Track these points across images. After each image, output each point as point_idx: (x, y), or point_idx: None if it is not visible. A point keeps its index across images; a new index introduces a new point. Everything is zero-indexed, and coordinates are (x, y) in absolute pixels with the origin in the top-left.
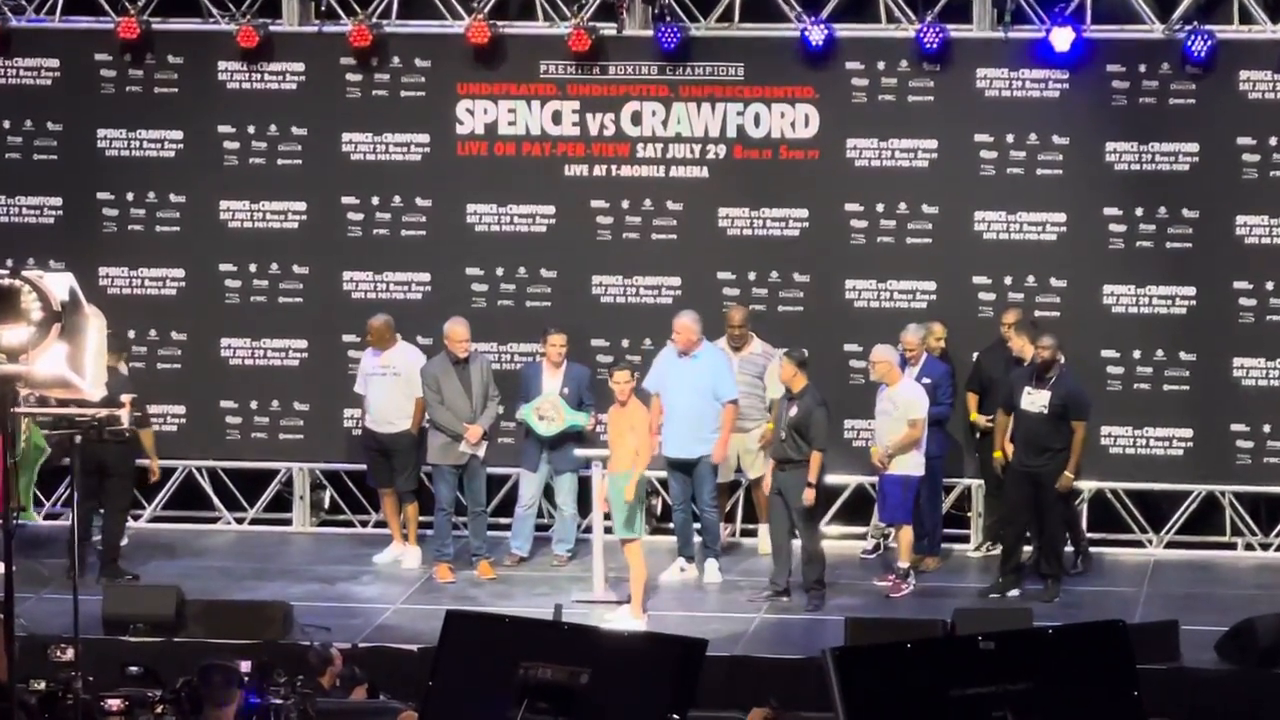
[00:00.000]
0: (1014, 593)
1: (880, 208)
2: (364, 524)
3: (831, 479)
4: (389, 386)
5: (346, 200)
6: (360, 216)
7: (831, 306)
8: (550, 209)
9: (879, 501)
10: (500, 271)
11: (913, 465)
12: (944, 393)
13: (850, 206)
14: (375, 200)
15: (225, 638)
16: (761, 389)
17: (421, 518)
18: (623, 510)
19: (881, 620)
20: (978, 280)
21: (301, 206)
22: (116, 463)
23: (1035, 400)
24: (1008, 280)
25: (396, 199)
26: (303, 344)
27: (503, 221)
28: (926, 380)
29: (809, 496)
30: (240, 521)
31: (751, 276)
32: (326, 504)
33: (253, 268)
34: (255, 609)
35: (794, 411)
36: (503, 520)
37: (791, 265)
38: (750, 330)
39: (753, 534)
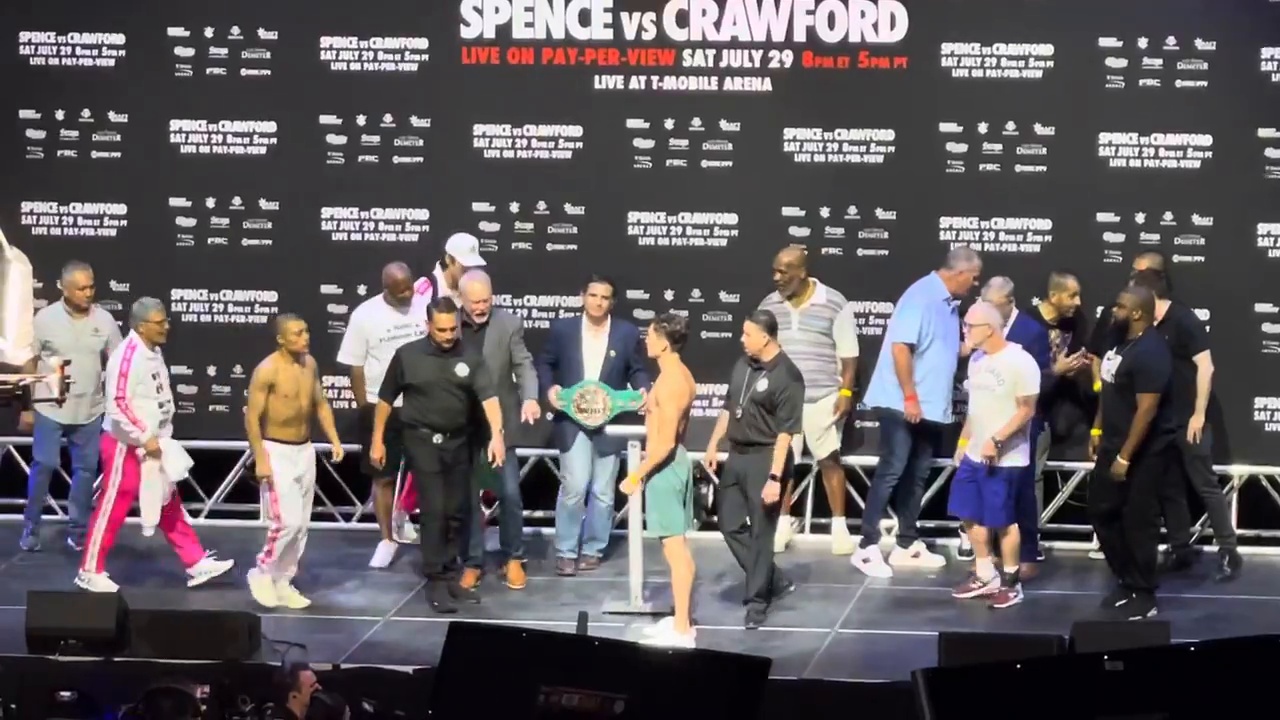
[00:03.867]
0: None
1: (983, 128)
2: (348, 517)
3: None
4: None
5: (326, 120)
6: (342, 140)
7: (923, 249)
8: (577, 130)
9: (960, 491)
10: (515, 207)
11: (1017, 454)
12: (1039, 360)
13: (946, 127)
14: (361, 120)
15: (177, 656)
16: (830, 346)
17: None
18: (660, 501)
19: (983, 636)
20: (1103, 217)
21: (270, 127)
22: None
23: (1110, 368)
24: (1140, 218)
25: (388, 118)
26: (272, 296)
27: (518, 146)
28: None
29: (771, 492)
30: (195, 514)
31: (824, 213)
32: None
33: (210, 203)
34: (213, 621)
35: (763, 384)
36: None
37: (874, 199)
38: (810, 276)
39: (825, 528)
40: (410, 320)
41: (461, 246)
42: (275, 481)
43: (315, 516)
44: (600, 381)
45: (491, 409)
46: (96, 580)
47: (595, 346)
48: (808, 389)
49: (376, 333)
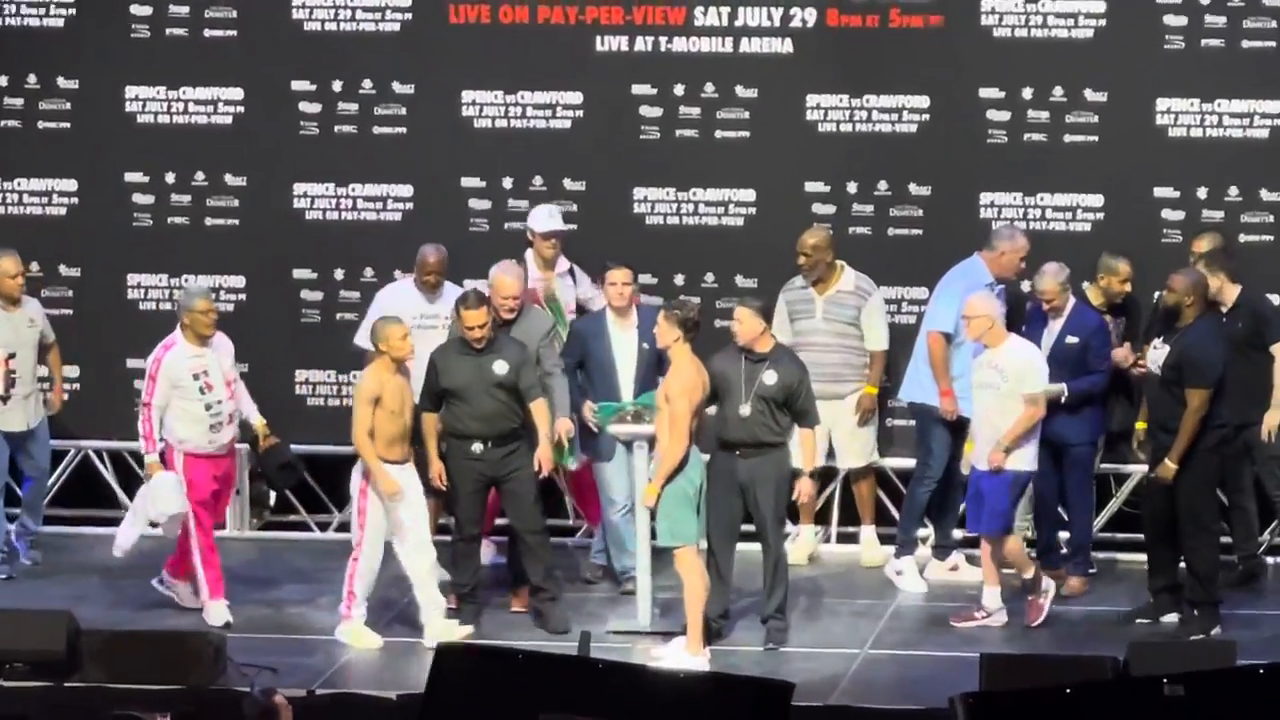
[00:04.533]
0: (1170, 617)
1: (1027, 94)
2: (324, 527)
3: None
4: (437, 343)
5: (298, 86)
6: (317, 108)
7: (961, 229)
8: (576, 97)
9: (970, 504)
10: (508, 183)
11: (1022, 457)
12: (1098, 354)
13: (986, 93)
14: (336, 86)
15: (134, 681)
16: (858, 337)
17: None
18: (671, 508)
19: (1029, 657)
20: (1160, 193)
21: (237, 94)
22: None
23: (1156, 359)
24: (1201, 193)
25: (366, 84)
26: (239, 282)
27: (511, 114)
28: (1073, 339)
29: (809, 490)
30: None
31: (851, 188)
32: (273, 500)
33: (170, 178)
34: (175, 642)
35: (771, 378)
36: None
37: (906, 173)
38: (837, 259)
39: (853, 538)
40: (439, 310)
41: (537, 215)
42: (366, 506)
43: (284, 525)
44: (636, 400)
45: (539, 411)
46: (209, 608)
47: (626, 340)
48: (833, 385)
49: (402, 319)
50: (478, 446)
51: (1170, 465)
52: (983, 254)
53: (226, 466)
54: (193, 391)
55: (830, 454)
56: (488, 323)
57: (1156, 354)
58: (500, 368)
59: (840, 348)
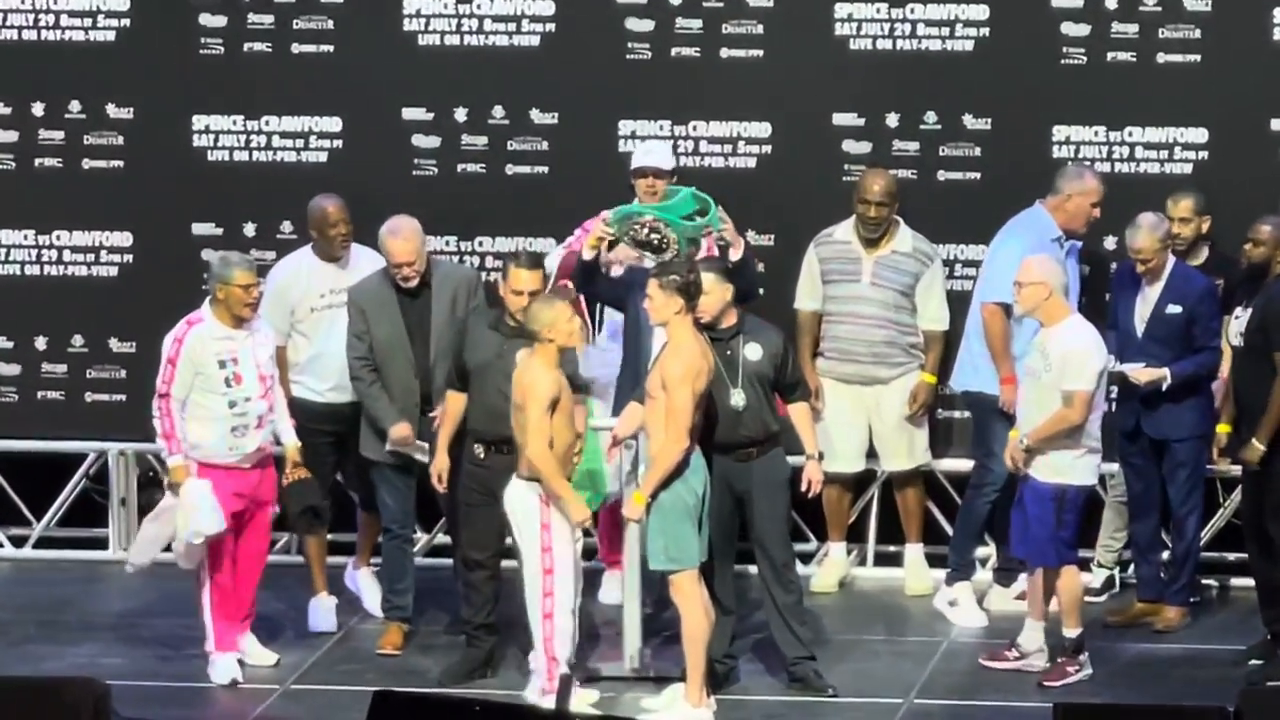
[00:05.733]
0: None
1: (1111, 3)
2: None
3: None
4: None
5: None
6: (221, 21)
7: (1029, 171)
8: (547, 7)
9: (1015, 515)
10: (462, 115)
11: (1072, 467)
12: (1207, 327)
13: (1060, 1)
14: None
15: None
16: (909, 311)
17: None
18: (667, 523)
19: (1114, 708)
20: (1279, 126)
21: (122, 4)
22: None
23: (1237, 327)
24: None
25: None
26: (124, 239)
27: (465, 29)
28: (1175, 308)
29: (817, 475)
30: (20, 543)
31: (891, 121)
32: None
33: (38, 109)
34: (48, 692)
35: (755, 351)
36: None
37: (961, 101)
38: (895, 213)
39: (895, 560)
40: (352, 282)
41: (637, 151)
42: (553, 542)
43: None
44: (657, 210)
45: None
46: (216, 664)
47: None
48: (873, 366)
49: (306, 299)
50: (479, 449)
51: (1258, 446)
52: (1045, 202)
53: (255, 483)
54: (215, 382)
55: (869, 453)
56: (541, 292)
57: (1239, 323)
58: (523, 357)
59: (887, 322)
